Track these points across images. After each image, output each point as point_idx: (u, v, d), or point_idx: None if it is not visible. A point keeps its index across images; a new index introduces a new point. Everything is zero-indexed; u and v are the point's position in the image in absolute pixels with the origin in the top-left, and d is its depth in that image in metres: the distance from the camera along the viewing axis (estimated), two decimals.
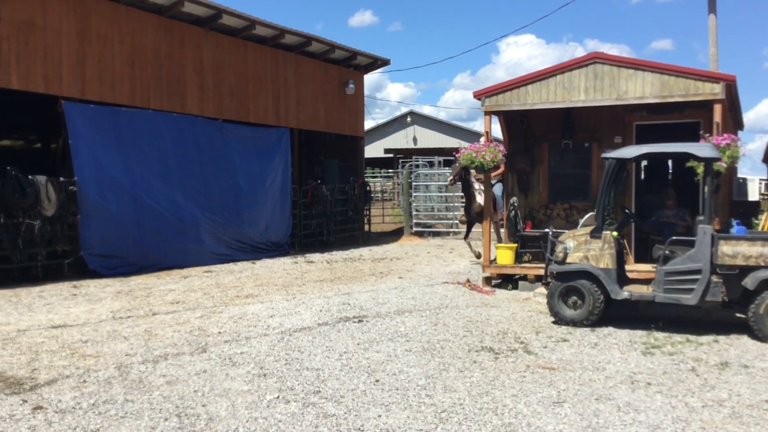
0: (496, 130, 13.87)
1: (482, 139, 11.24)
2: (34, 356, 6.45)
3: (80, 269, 12.17)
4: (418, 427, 4.74)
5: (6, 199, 11.15)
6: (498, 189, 13.73)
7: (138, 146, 13.42)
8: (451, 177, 13.40)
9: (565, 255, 8.47)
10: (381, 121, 45.86)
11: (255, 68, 16.80)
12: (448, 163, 27.24)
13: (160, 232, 13.54)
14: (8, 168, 11.39)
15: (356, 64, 20.57)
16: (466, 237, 14.49)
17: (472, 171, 13.04)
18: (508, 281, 11.40)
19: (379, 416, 4.94)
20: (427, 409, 5.10)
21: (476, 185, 13.71)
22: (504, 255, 11.35)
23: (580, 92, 10.54)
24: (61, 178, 12.11)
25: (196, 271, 13.10)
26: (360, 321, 8.18)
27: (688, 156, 8.57)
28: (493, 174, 12.68)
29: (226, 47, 15.92)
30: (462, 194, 15.07)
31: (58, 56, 12.35)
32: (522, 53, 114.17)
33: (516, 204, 11.93)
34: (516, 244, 11.50)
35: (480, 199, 13.22)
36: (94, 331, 7.62)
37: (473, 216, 13.89)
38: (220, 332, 7.54)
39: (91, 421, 4.75)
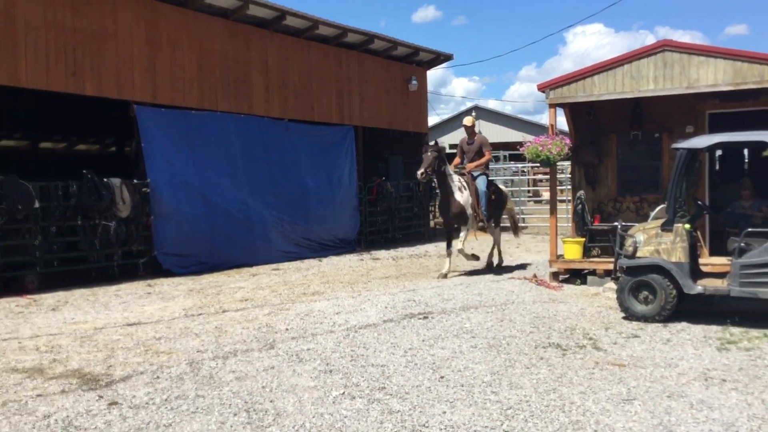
0: (562, 123, 13.48)
1: (547, 132, 11.08)
2: (110, 353, 6.69)
3: (154, 268, 12.56)
4: (483, 424, 4.71)
5: (83, 201, 11.60)
6: (481, 183, 12.01)
7: (207, 147, 13.76)
8: (423, 169, 11.17)
9: (635, 249, 8.26)
10: (445, 116, 45.66)
11: (319, 68, 16.97)
12: (513, 158, 26.96)
13: (230, 231, 13.84)
14: (84, 171, 11.84)
15: (419, 60, 20.54)
16: (448, 246, 12.01)
17: (447, 163, 11.69)
18: (576, 276, 11.19)
19: (444, 413, 4.93)
20: (492, 406, 5.06)
21: (456, 179, 11.71)
22: (571, 249, 11.15)
23: (648, 81, 10.25)
24: (135, 180, 12.52)
25: (265, 269, 13.34)
26: (425, 317, 8.18)
27: (764, 145, 8.24)
28: (474, 164, 11.96)
29: (291, 48, 16.14)
30: (442, 191, 11.98)
31: (129, 62, 12.75)
32: (590, 43, 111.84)
33: (583, 198, 11.69)
34: (584, 239, 11.28)
35: (460, 196, 11.56)
36: (167, 328, 7.85)
37: (451, 217, 11.74)
38: (287, 329, 7.67)
39: (163, 416, 4.89)
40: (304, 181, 15.98)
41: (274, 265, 13.83)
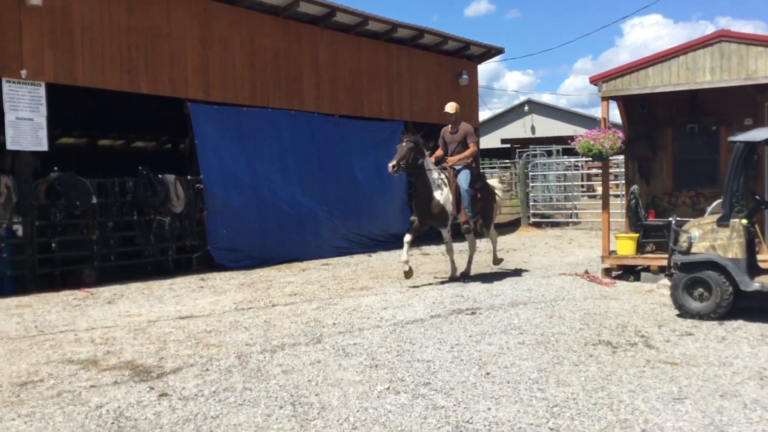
0: (616, 116, 13.21)
1: (599, 126, 10.87)
2: (162, 345, 6.84)
3: (207, 263, 12.79)
4: (529, 421, 4.66)
5: (138, 197, 11.89)
6: (464, 179, 10.48)
7: (259, 144, 13.94)
8: (394, 162, 9.73)
9: (690, 245, 8.04)
10: (497, 111, 45.27)
11: (368, 63, 17.01)
12: (567, 152, 26.53)
13: (281, 227, 14.00)
14: (140, 168, 12.14)
15: (470, 54, 20.38)
16: (409, 238, 10.27)
17: (429, 154, 10.41)
18: (629, 273, 10.97)
19: (489, 409, 4.89)
20: (538, 403, 5.00)
21: (435, 175, 10.27)
22: (624, 245, 10.93)
23: (705, 73, 9.96)
24: (189, 177, 12.78)
25: (315, 264, 13.45)
26: (473, 313, 8.13)
27: None
28: (457, 158, 10.62)
29: (341, 44, 16.21)
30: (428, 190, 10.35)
31: (183, 60, 12.99)
32: (647, 34, 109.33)
33: (637, 192, 11.43)
34: (637, 234, 11.03)
35: (440, 194, 10.14)
36: (218, 321, 7.98)
37: (431, 218, 10.25)
38: (334, 323, 7.72)
39: (211, 408, 4.98)
40: (354, 176, 16.06)
41: (323, 260, 13.93)
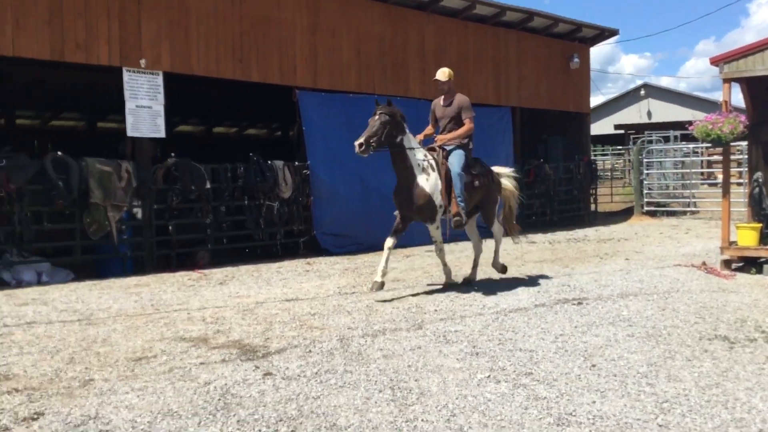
0: (740, 100, 12.42)
1: (720, 110, 10.26)
2: (268, 326, 7.02)
3: (313, 247, 13.05)
4: (635, 416, 4.46)
5: (249, 182, 12.27)
6: (456, 160, 8.60)
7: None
8: (362, 139, 8.09)
9: None
10: (611, 96, 43.74)
11: (475, 48, 16.79)
12: (685, 137, 25.30)
13: (386, 213, 14.03)
14: (251, 154, 12.52)
15: (581, 36, 19.73)
16: (392, 237, 8.67)
17: (410, 133, 8.56)
18: (751, 265, 10.34)
19: (593, 402, 4.72)
20: (647, 398, 4.79)
21: (420, 156, 8.46)
22: (746, 236, 10.31)
23: None
24: (296, 163, 13.06)
25: (419, 250, 13.44)
26: (579, 303, 7.89)
27: None
28: (449, 136, 8.80)
29: (447, 29, 16.07)
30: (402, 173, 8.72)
31: (292, 48, 13.25)
32: None
33: (761, 180, 10.74)
34: (760, 224, 10.38)
35: (425, 180, 8.39)
36: (322, 305, 8.12)
37: (413, 210, 8.54)
38: (436, 310, 7.68)
39: (313, 388, 5.06)
40: None
41: (427, 247, 13.84)
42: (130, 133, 11.32)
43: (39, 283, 10.07)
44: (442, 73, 9.05)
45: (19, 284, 9.90)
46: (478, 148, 16.08)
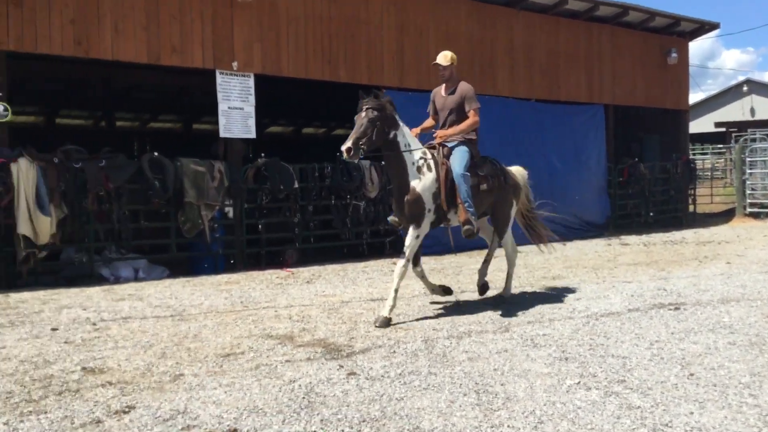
0: None
1: None
2: (353, 326, 7.02)
3: (399, 247, 12.93)
4: (736, 429, 4.19)
5: (336, 182, 12.37)
6: (458, 160, 7.47)
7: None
8: (349, 143, 6.85)
9: None
10: (711, 92, 41.83)
11: (566, 44, 16.39)
12: None
13: None
14: (338, 154, 12.58)
15: (679, 30, 18.95)
16: (414, 263, 7.75)
17: (405, 126, 7.45)
18: None
19: (691, 413, 4.46)
20: (749, 410, 4.49)
21: (417, 155, 7.34)
22: None
23: None
24: (383, 162, 13.04)
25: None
26: (676, 308, 7.53)
27: None
28: (450, 131, 7.68)
29: (537, 25, 15.75)
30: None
31: (379, 48, 13.28)
32: None
33: None
34: None
35: (417, 181, 7.23)
36: (407, 305, 8.07)
37: (404, 215, 7.37)
38: (523, 312, 7.49)
39: (396, 390, 5.00)
40: (550, 161, 15.58)
41: (521, 247, 13.62)
42: (222, 134, 11.61)
43: (136, 279, 10.48)
44: (443, 57, 7.83)
45: (117, 280, 10.32)
46: (568, 146, 15.84)
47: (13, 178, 9.42)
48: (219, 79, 11.45)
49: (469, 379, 5.22)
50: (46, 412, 4.51)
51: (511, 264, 8.49)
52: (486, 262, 8.39)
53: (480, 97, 14.31)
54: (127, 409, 4.57)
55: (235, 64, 11.55)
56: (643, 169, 17.77)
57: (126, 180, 10.52)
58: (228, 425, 4.31)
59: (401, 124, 7.32)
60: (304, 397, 4.83)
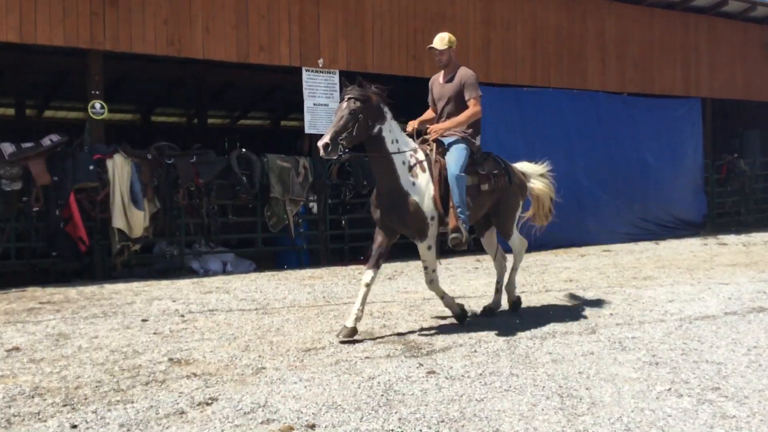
0: None
1: None
2: (433, 323, 6.96)
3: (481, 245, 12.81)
4: None
5: None
6: (454, 159, 6.51)
7: (539, 125, 13.64)
8: (326, 139, 6.00)
9: None
10: None
11: (661, 36, 15.79)
12: None
13: (560, 209, 13.52)
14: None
15: None
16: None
17: (393, 120, 6.41)
18: None
19: None
20: None
21: (407, 154, 6.37)
22: None
23: None
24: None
25: (594, 249, 12.85)
26: None
27: None
28: (445, 125, 6.67)
29: (630, 17, 15.25)
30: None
31: (465, 43, 13.10)
32: None
33: None
34: None
35: (410, 185, 6.33)
36: (486, 303, 7.91)
37: (399, 221, 6.52)
38: (611, 314, 7.23)
39: (476, 390, 4.90)
40: (643, 157, 15.08)
41: (604, 246, 13.25)
42: (307, 130, 11.75)
43: (224, 272, 10.74)
44: (440, 40, 6.88)
45: (206, 273, 10.60)
46: (662, 141, 15.26)
47: (109, 174, 9.82)
48: (305, 76, 11.59)
49: (553, 381, 5.07)
50: (132, 402, 4.64)
51: (518, 259, 7.76)
52: (512, 270, 7.69)
53: (568, 91, 14.11)
54: (210, 401, 4.65)
55: (321, 61, 11.66)
56: (743, 165, 16.96)
57: (215, 176, 10.79)
58: (306, 420, 4.32)
59: (389, 117, 6.35)
60: (382, 395, 4.79)
